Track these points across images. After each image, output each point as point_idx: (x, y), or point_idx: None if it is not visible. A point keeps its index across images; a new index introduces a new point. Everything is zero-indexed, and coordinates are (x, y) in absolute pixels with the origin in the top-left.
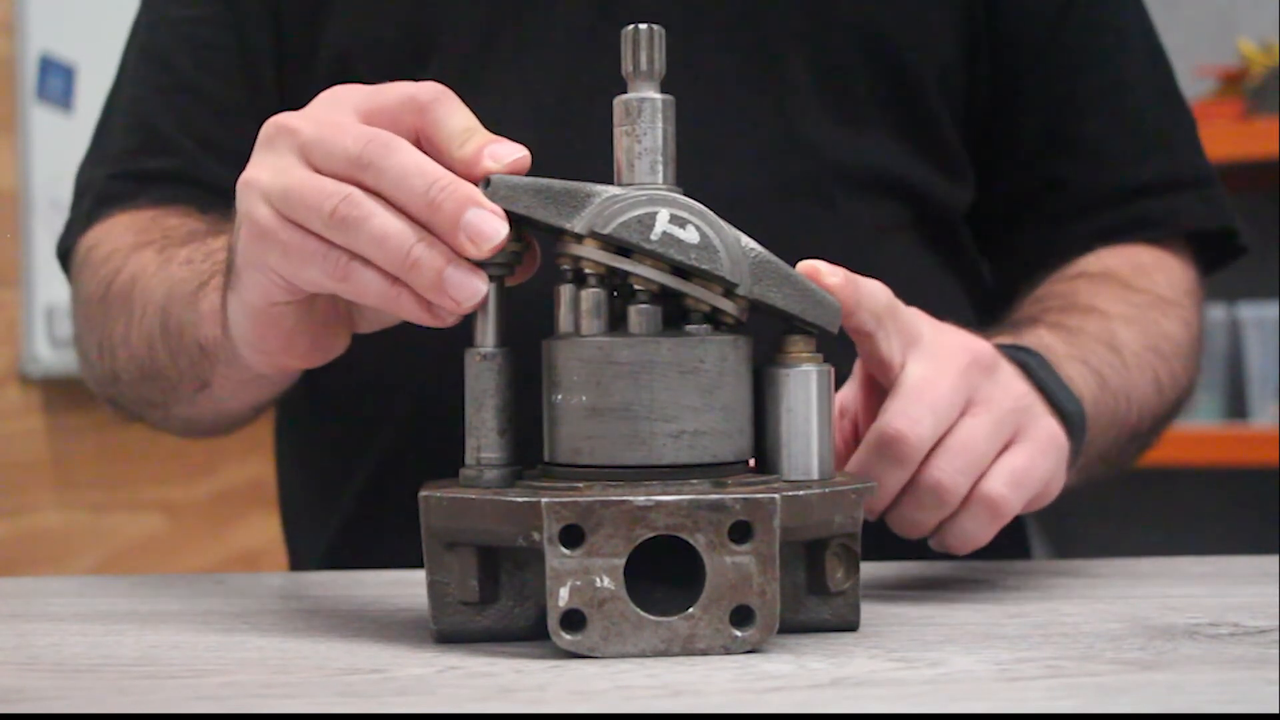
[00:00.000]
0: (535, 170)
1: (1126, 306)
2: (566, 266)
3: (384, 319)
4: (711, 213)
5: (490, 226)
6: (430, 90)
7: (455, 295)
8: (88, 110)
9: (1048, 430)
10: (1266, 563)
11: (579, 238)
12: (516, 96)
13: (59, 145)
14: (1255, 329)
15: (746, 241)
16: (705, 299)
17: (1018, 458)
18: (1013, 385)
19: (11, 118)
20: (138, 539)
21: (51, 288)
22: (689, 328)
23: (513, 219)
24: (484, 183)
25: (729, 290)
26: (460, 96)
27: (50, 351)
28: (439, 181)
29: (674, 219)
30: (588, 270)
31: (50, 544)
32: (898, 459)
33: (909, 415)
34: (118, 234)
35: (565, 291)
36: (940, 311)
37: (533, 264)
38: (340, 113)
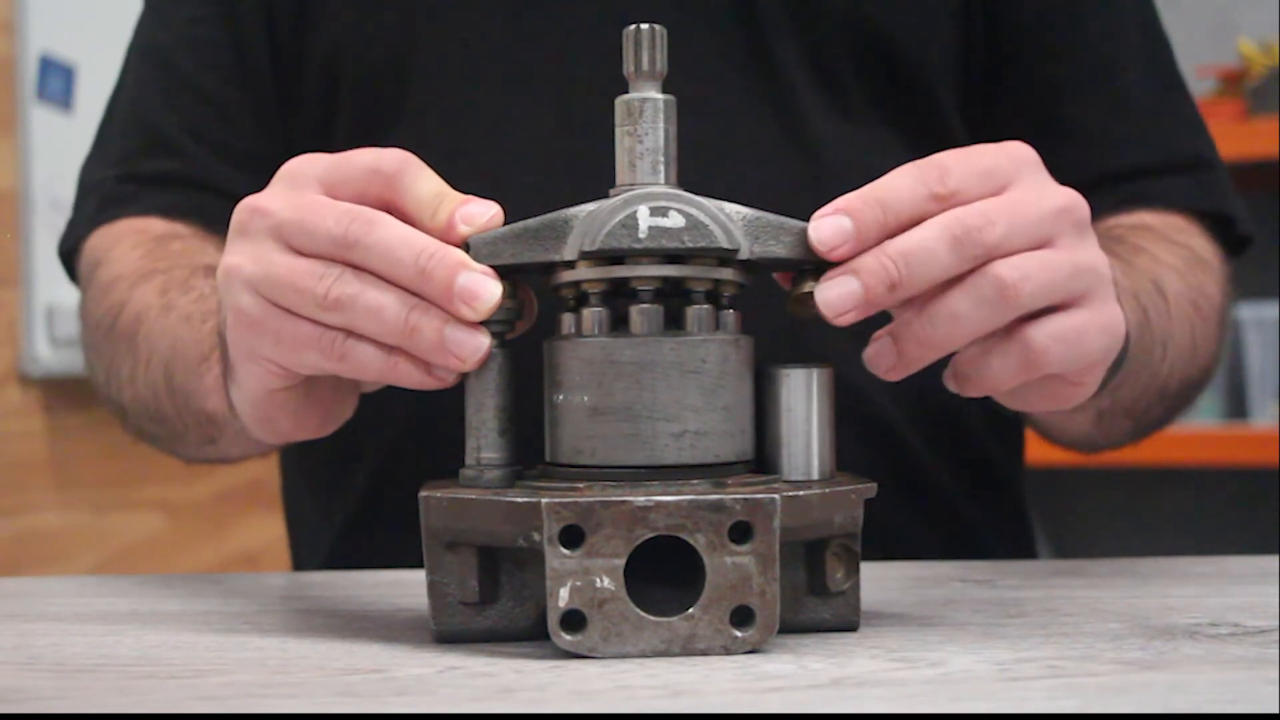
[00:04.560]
0: (534, 166)
1: (1173, 257)
2: (569, 295)
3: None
4: (686, 193)
5: (484, 288)
6: (394, 159)
7: (459, 353)
8: (88, 110)
9: (1112, 312)
10: (1266, 563)
11: (572, 263)
12: (510, 93)
13: (59, 145)
14: (1255, 329)
15: (730, 207)
16: (708, 275)
17: (1074, 319)
18: (1096, 250)
19: (11, 118)
20: (138, 539)
21: (51, 288)
22: (692, 310)
23: (503, 272)
24: (463, 246)
25: (729, 259)
26: (450, 92)
27: (50, 351)
28: (426, 250)
29: (654, 211)
30: (591, 291)
31: (50, 544)
32: (998, 301)
33: (1018, 268)
34: (123, 253)
35: (568, 317)
36: None
37: (531, 315)
38: (306, 188)
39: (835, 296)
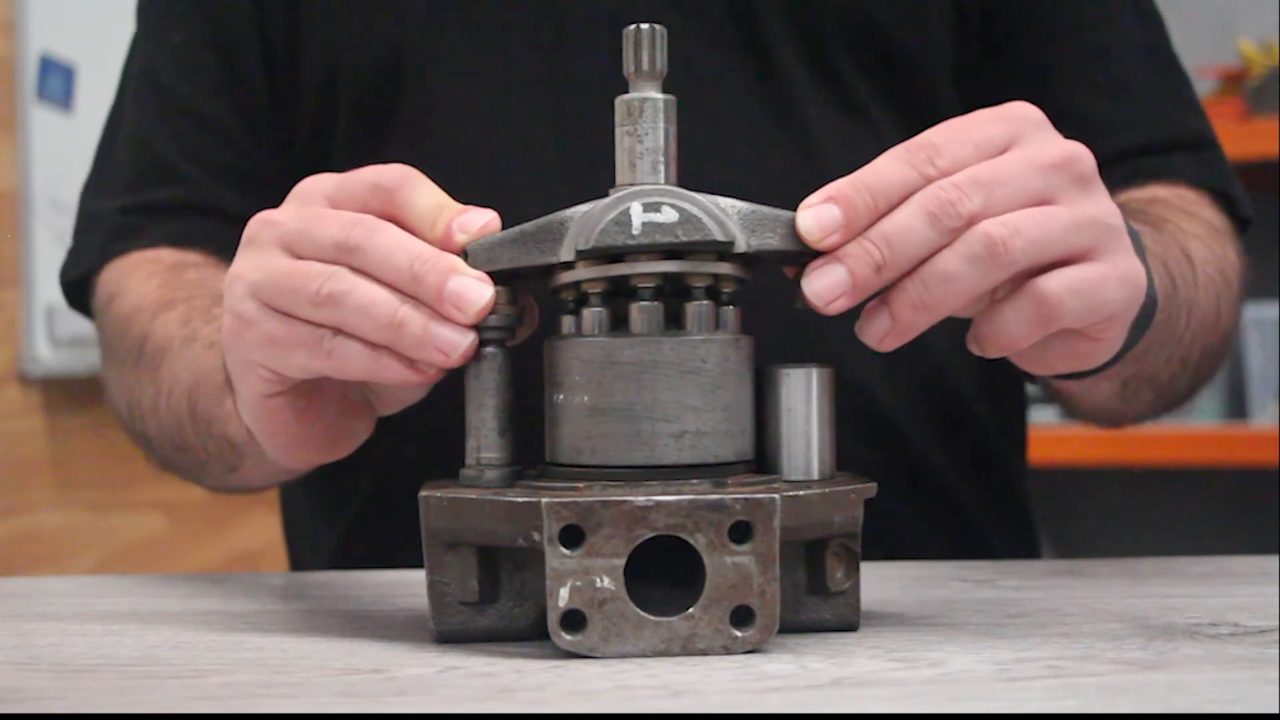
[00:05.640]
0: (532, 169)
1: (1194, 225)
2: (569, 296)
3: (404, 398)
4: (679, 188)
5: (475, 292)
6: (394, 174)
7: (442, 347)
8: (88, 110)
9: (1129, 263)
10: (1266, 563)
11: (570, 264)
12: (506, 95)
13: (59, 145)
14: (1255, 329)
15: (725, 201)
16: (706, 270)
17: (1087, 270)
18: (1103, 203)
19: (11, 118)
20: (138, 539)
21: (51, 288)
22: (692, 306)
23: (503, 278)
24: (462, 254)
25: (726, 252)
26: (446, 98)
27: (50, 351)
28: (420, 255)
29: (647, 207)
30: (590, 291)
31: (50, 544)
32: (988, 258)
33: (1007, 224)
34: (138, 284)
35: (568, 319)
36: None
37: (532, 322)
38: (314, 204)
39: (823, 286)
